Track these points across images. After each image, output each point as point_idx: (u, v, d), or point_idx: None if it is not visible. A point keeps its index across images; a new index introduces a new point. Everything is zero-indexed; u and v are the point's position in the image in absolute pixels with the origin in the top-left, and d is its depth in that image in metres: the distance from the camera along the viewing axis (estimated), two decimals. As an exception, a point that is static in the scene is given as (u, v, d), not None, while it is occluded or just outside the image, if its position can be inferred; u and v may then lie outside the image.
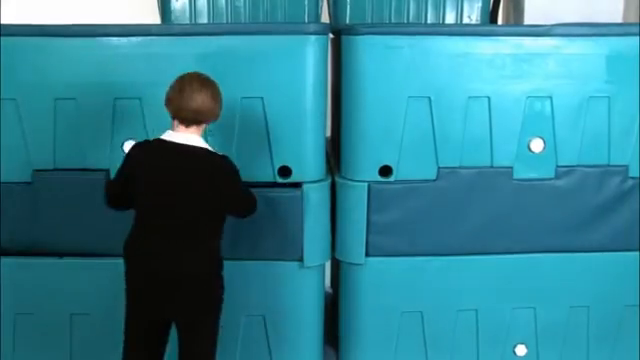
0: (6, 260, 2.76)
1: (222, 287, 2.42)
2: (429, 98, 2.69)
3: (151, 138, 2.41)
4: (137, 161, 2.34)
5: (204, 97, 2.26)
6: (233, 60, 2.63)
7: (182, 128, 2.30)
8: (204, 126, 2.35)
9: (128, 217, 2.38)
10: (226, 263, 2.65)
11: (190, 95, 2.24)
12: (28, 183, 2.71)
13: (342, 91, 2.77)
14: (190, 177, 2.28)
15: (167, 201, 2.28)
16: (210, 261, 2.37)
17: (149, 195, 2.31)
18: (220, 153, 2.37)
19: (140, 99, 2.63)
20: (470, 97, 2.70)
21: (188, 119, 2.28)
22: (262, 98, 2.65)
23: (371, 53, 2.66)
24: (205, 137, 2.39)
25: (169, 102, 2.29)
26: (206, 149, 2.32)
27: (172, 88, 2.28)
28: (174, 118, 2.30)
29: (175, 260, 2.29)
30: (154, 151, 2.32)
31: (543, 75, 2.70)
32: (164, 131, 2.35)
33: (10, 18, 3.10)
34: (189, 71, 2.32)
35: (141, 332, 2.39)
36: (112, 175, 2.59)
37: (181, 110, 2.26)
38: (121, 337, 2.41)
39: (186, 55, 2.61)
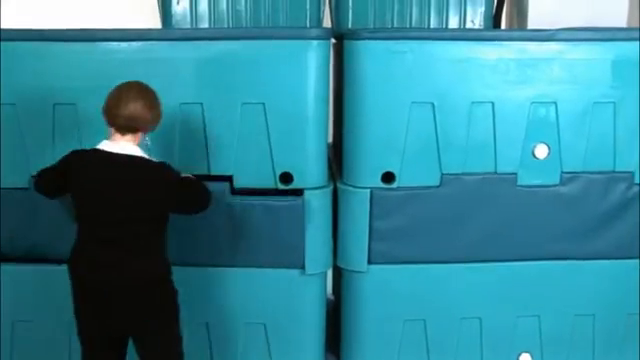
0: (5, 267, 2.74)
1: (175, 290, 2.38)
2: (432, 104, 2.66)
3: (88, 147, 2.35)
4: (74, 169, 2.30)
5: (138, 105, 2.23)
6: (234, 65, 2.61)
7: (118, 137, 2.27)
8: (140, 134, 2.31)
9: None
10: (227, 271, 2.64)
11: (125, 103, 2.22)
12: (26, 189, 2.68)
13: (344, 96, 2.75)
14: (128, 186, 2.24)
15: (108, 211, 2.25)
16: (158, 267, 2.33)
17: (89, 207, 2.28)
18: (157, 160, 2.33)
19: (140, 104, 2.61)
20: (473, 102, 2.67)
21: (122, 126, 2.25)
22: (263, 104, 2.63)
23: (373, 58, 2.64)
24: (144, 145, 2.36)
25: (105, 109, 2.26)
26: (142, 157, 2.29)
27: (109, 95, 2.26)
28: (110, 126, 2.28)
29: (123, 270, 2.25)
30: (91, 162, 2.28)
31: (547, 80, 2.67)
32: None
33: (9, 23, 3.07)
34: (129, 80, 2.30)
35: (97, 348, 2.39)
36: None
37: (114, 117, 2.24)
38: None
39: (187, 60, 2.59)
